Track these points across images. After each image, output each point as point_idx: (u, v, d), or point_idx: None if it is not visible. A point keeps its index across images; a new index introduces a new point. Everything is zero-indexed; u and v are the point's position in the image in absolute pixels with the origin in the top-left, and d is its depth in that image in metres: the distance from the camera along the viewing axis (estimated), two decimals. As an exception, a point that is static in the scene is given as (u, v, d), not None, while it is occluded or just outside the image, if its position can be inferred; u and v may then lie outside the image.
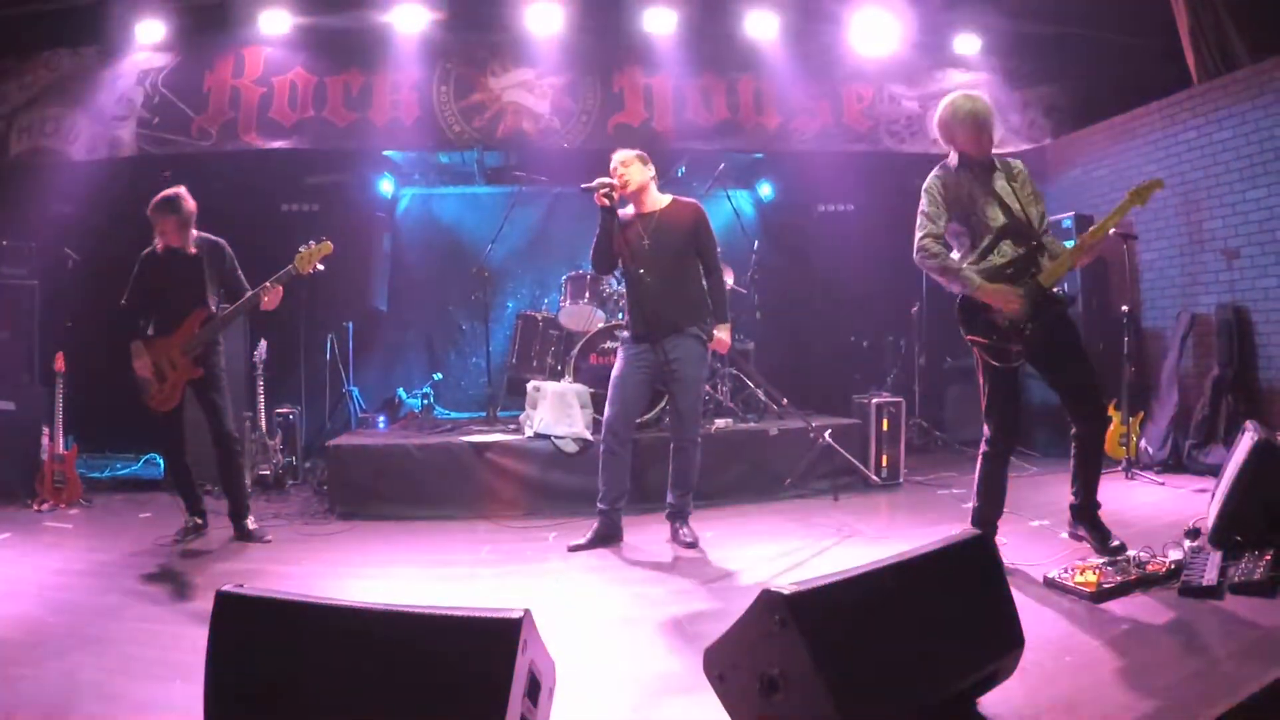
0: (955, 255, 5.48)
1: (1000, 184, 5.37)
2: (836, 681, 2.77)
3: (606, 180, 6.36)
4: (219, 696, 2.91)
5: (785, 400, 7.76)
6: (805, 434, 8.12)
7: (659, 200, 6.57)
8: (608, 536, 6.50)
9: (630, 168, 6.44)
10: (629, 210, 6.58)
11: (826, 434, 7.53)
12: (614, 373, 6.59)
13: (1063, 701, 3.43)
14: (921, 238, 5.39)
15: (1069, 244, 8.96)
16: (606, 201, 6.31)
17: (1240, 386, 8.23)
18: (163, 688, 3.77)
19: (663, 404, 7.85)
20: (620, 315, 8.51)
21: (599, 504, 6.54)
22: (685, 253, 6.47)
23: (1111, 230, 5.41)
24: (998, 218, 5.30)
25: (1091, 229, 5.49)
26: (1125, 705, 3.36)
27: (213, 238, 6.88)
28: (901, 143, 10.54)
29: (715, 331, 6.56)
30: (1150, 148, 9.33)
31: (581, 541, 6.44)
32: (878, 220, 10.83)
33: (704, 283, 6.58)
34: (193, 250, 6.73)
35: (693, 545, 6.32)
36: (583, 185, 6.43)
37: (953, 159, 5.44)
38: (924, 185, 5.46)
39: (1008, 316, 5.19)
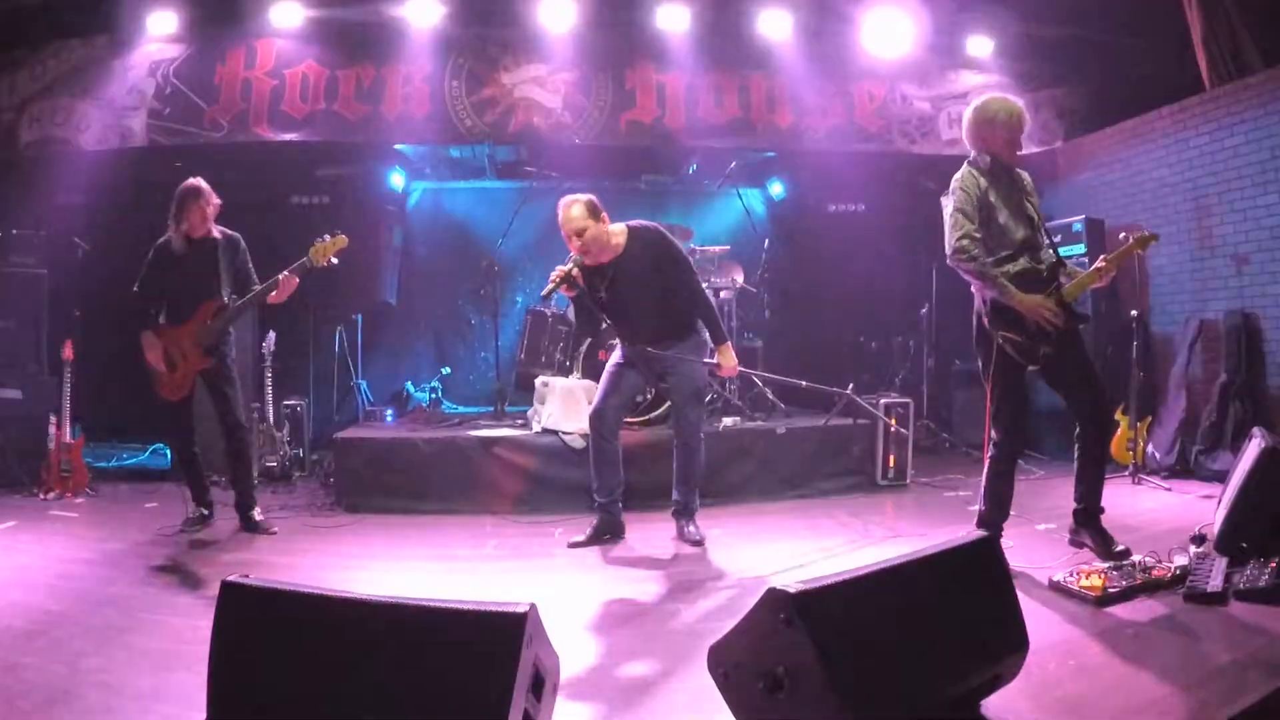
0: None
1: (1020, 195, 5.35)
2: (841, 680, 2.77)
3: (560, 272, 6.10)
4: (222, 686, 2.91)
5: (804, 383, 7.65)
6: (815, 431, 8.13)
7: (614, 244, 6.27)
8: (607, 531, 6.49)
9: (586, 235, 6.09)
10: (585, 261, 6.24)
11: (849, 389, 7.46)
12: (609, 363, 6.56)
13: (1066, 705, 3.43)
14: (959, 238, 5.18)
15: (1078, 248, 9.08)
16: (573, 291, 6.22)
17: (1248, 393, 8.22)
18: (166, 677, 3.78)
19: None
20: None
21: (596, 498, 6.52)
22: (651, 286, 6.23)
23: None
24: (1018, 229, 5.26)
25: (1106, 258, 5.47)
26: (1129, 710, 3.36)
27: (229, 231, 6.89)
28: (913, 143, 10.52)
29: (718, 357, 6.40)
30: (1162, 152, 9.30)
31: (581, 539, 6.43)
32: (888, 221, 10.89)
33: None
34: (211, 240, 6.75)
35: (699, 543, 6.31)
36: (542, 294, 6.30)
37: (983, 161, 5.39)
38: (957, 183, 5.31)
39: (1049, 325, 5.15)
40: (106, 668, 3.92)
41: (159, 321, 6.76)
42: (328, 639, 2.90)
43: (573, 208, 6.16)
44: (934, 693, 3.11)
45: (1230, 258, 8.52)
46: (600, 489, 6.49)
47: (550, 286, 6.14)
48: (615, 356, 6.55)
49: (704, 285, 6.56)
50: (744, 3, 9.90)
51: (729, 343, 6.50)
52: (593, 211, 6.14)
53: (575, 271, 6.13)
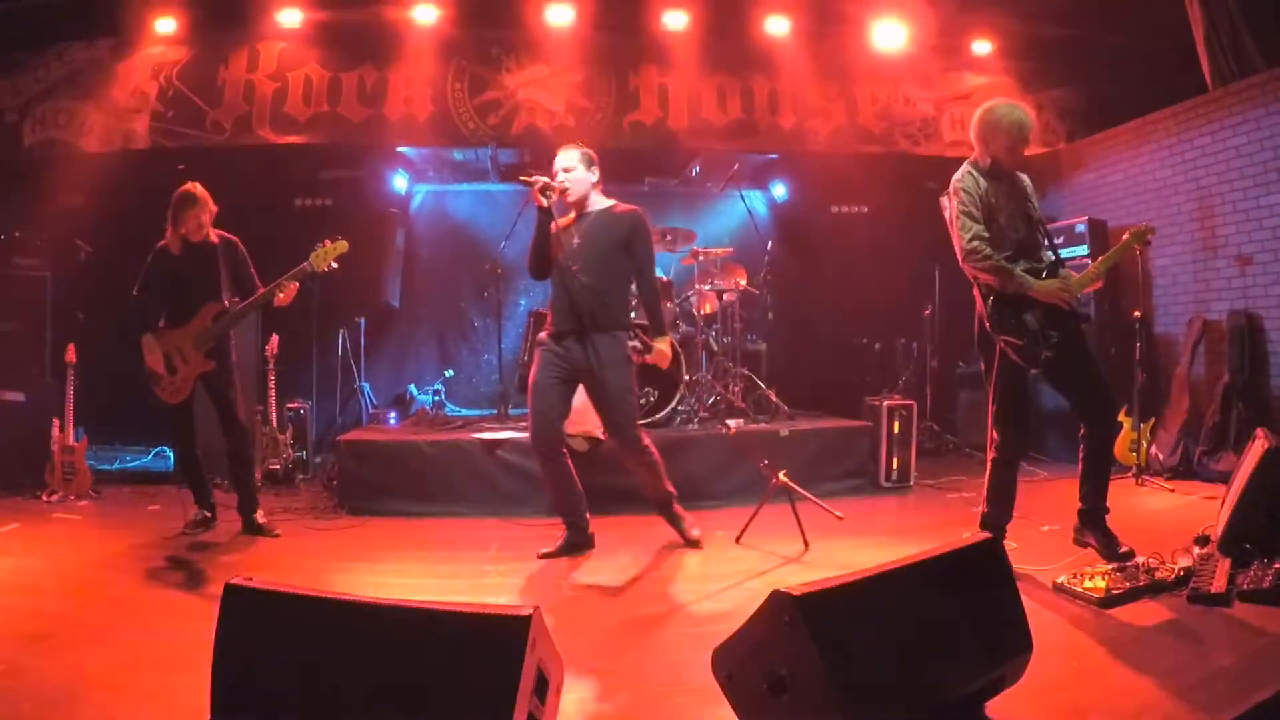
0: None
1: (1020, 196, 5.36)
2: (844, 682, 2.77)
3: (545, 180, 6.12)
4: (225, 689, 2.91)
5: (765, 462, 7.47)
6: (818, 433, 8.10)
7: (600, 203, 6.30)
8: (577, 545, 6.28)
9: (573, 173, 6.18)
10: (570, 215, 6.33)
11: (781, 474, 7.15)
12: (530, 379, 6.25)
13: (1070, 707, 3.42)
14: (970, 239, 5.21)
15: (1081, 249, 9.08)
16: (543, 201, 6.07)
17: (1251, 394, 8.20)
18: (170, 679, 3.77)
19: (675, 402, 7.91)
20: (633, 314, 8.46)
21: (561, 518, 6.35)
22: (615, 257, 6.18)
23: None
24: (1016, 231, 5.28)
25: (1101, 259, 5.52)
26: (1132, 711, 3.36)
27: (227, 234, 6.90)
28: (916, 145, 10.52)
29: (655, 344, 6.29)
30: (1165, 153, 9.29)
31: (550, 550, 6.20)
32: (891, 222, 10.88)
33: (635, 288, 6.39)
34: (210, 244, 6.76)
35: (696, 543, 6.33)
36: (521, 176, 6.22)
37: (984, 162, 5.39)
38: (957, 185, 5.34)
39: (1064, 303, 5.16)
40: (110, 670, 3.93)
41: (160, 325, 6.77)
42: (331, 641, 2.90)
43: (569, 149, 6.31)
44: (937, 695, 3.10)
45: (1233, 258, 8.51)
46: (559, 508, 6.35)
47: (529, 177, 6.16)
48: (533, 372, 6.25)
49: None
50: (746, 5, 9.90)
51: (669, 337, 6.49)
52: (586, 160, 6.27)
53: (553, 188, 6.12)
